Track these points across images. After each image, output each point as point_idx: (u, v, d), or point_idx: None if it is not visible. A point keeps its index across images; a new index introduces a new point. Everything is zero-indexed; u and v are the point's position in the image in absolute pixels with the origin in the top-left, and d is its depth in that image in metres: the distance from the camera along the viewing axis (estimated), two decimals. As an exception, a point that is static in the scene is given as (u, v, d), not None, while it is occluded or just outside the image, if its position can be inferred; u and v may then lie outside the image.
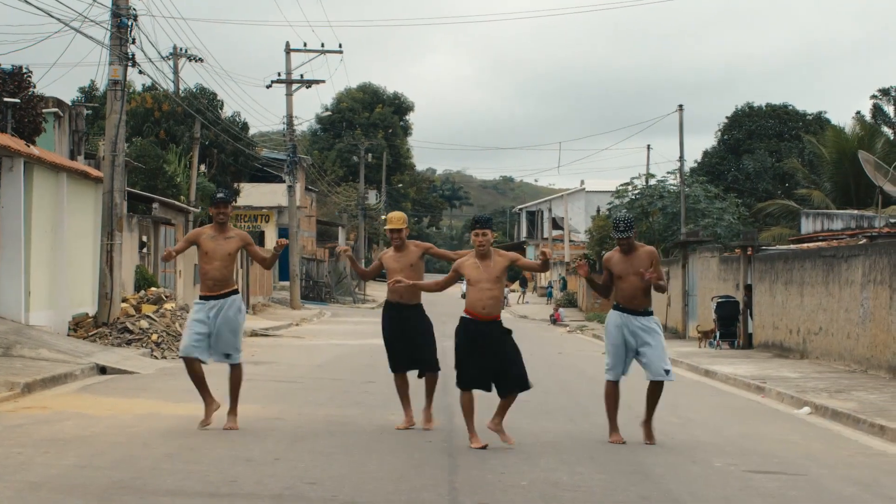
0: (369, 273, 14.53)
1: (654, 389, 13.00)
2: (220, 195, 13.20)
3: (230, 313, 13.07)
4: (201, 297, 13.14)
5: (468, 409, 12.05)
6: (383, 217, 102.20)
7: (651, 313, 13.06)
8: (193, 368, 13.07)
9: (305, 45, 56.55)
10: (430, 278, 13.63)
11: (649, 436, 13.01)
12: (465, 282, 12.34)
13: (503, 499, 9.38)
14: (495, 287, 12.11)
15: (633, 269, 12.85)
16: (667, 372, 12.84)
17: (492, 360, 12.00)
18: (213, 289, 13.03)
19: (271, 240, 67.67)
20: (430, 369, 13.47)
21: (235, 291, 13.24)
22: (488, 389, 12.16)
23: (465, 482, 10.04)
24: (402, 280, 12.90)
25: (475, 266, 12.14)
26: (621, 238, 12.91)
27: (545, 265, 12.57)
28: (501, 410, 12.26)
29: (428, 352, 13.45)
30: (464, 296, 13.02)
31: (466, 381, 11.99)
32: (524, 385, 12.17)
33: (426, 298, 13.78)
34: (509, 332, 12.26)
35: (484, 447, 11.83)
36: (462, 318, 12.12)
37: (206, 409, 13.05)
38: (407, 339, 13.44)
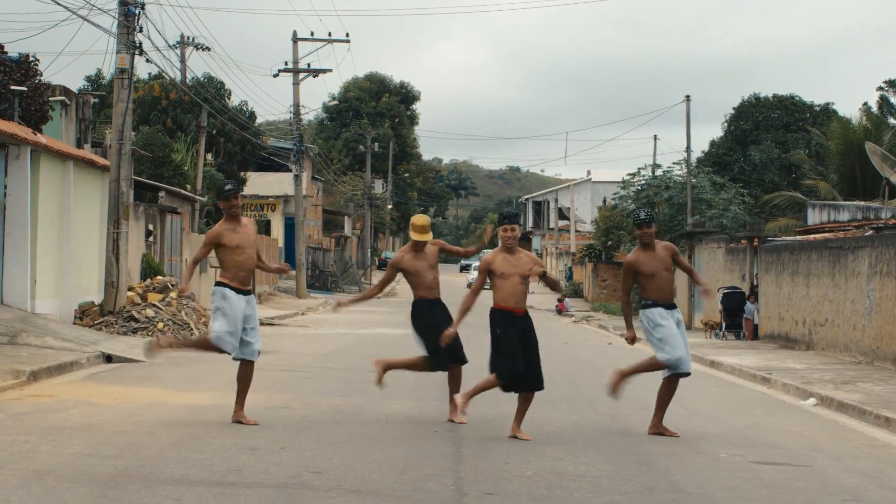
0: (379, 290, 14.26)
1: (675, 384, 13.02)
2: (228, 186, 12.71)
3: (254, 309, 12.82)
4: (228, 287, 12.52)
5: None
6: (389, 206, 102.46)
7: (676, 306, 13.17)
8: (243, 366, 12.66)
9: (312, 34, 56.50)
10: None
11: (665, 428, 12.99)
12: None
13: (508, 488, 9.38)
14: (525, 282, 12.11)
15: (663, 265, 12.82)
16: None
17: (527, 356, 12.05)
18: (245, 282, 12.63)
19: (277, 228, 67.71)
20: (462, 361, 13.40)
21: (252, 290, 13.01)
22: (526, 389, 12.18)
23: (471, 472, 10.04)
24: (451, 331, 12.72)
25: (505, 260, 12.12)
26: (643, 230, 12.84)
27: (552, 284, 12.52)
28: (521, 414, 12.24)
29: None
30: (469, 285, 13.01)
31: (514, 381, 12.03)
32: (542, 384, 12.21)
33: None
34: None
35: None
36: (497, 311, 12.08)
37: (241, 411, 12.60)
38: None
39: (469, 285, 13.77)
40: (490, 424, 12.97)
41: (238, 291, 12.53)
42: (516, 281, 12.04)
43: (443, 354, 12.98)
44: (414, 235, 13.29)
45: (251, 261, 12.68)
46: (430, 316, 13.26)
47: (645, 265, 12.83)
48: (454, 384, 13.32)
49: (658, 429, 12.93)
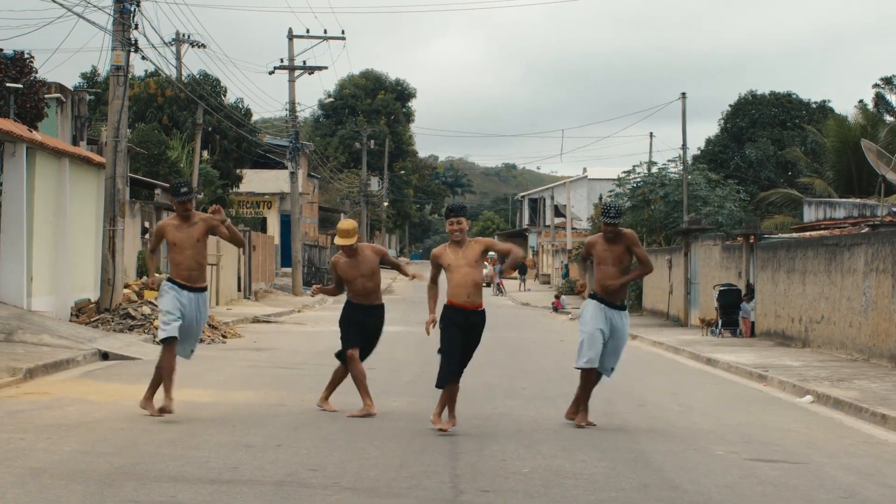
0: (335, 290, 14.40)
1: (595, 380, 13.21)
2: (184, 189, 12.83)
3: (204, 310, 12.95)
4: (175, 283, 12.77)
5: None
6: (386, 204, 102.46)
7: (626, 307, 13.22)
8: (173, 354, 12.72)
9: (308, 31, 56.56)
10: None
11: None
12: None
13: (504, 486, 9.38)
14: (476, 272, 12.06)
15: (613, 259, 12.94)
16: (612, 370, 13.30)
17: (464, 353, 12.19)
18: (190, 280, 12.77)
19: (273, 225, 67.69)
20: None
21: (206, 288, 13.06)
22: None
23: (467, 469, 10.04)
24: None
25: (454, 252, 12.12)
26: (608, 224, 12.95)
27: (514, 264, 12.27)
28: (448, 405, 12.25)
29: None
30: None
31: (446, 380, 12.07)
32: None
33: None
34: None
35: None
36: (446, 307, 12.12)
37: (167, 401, 12.50)
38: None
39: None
40: (486, 422, 12.98)
41: (182, 287, 12.73)
42: (464, 272, 12.02)
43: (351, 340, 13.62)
44: (337, 240, 13.42)
45: (191, 260, 12.76)
46: (354, 318, 13.81)
47: (598, 252, 13.08)
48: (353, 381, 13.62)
49: (570, 414, 13.29)
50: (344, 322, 13.89)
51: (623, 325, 13.18)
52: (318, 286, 14.90)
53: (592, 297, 13.17)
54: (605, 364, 13.18)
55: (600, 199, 74.05)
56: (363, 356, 13.82)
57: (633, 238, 13.14)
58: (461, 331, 12.02)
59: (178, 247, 12.75)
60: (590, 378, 13.18)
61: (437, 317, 12.19)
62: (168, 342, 12.70)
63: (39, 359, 17.56)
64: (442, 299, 12.23)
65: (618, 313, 13.12)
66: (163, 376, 12.59)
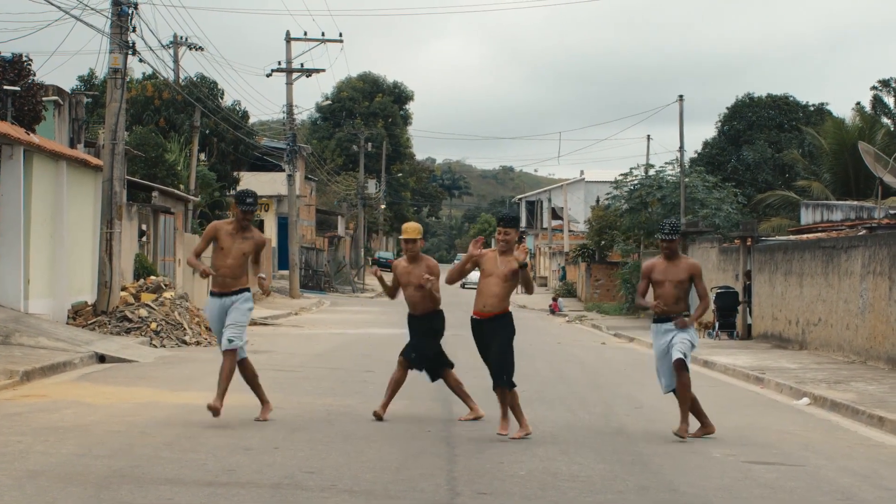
0: (391, 291, 13.94)
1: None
2: (249, 200, 12.80)
3: (238, 303, 12.80)
4: (212, 294, 12.89)
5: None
6: (383, 206, 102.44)
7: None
8: (229, 359, 12.70)
9: (306, 33, 56.55)
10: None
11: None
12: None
13: (501, 488, 9.38)
14: (505, 282, 12.04)
15: (673, 278, 12.81)
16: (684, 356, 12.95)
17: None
18: (224, 286, 12.76)
19: (270, 228, 67.66)
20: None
21: (246, 289, 12.95)
22: None
23: (464, 471, 10.04)
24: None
25: (492, 260, 12.09)
26: (665, 241, 12.86)
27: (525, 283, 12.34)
28: (505, 412, 12.33)
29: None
30: (463, 285, 12.99)
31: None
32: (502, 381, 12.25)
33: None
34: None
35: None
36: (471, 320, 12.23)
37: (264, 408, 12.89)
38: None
39: (464, 285, 13.67)
40: (484, 425, 12.98)
41: (213, 294, 12.84)
42: (493, 282, 12.01)
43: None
44: (404, 235, 13.37)
45: (228, 269, 12.73)
46: (411, 328, 13.62)
47: (657, 273, 12.94)
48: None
49: (692, 430, 13.00)
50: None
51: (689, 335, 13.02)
52: (379, 271, 14.39)
53: (655, 321, 13.08)
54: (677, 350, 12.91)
55: (597, 201, 74.08)
56: (433, 365, 13.55)
57: (698, 270, 13.02)
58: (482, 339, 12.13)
59: (224, 252, 12.74)
60: (681, 380, 13.09)
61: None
62: (224, 353, 12.75)
63: (36, 361, 17.54)
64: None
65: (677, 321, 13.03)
66: (219, 379, 12.69)
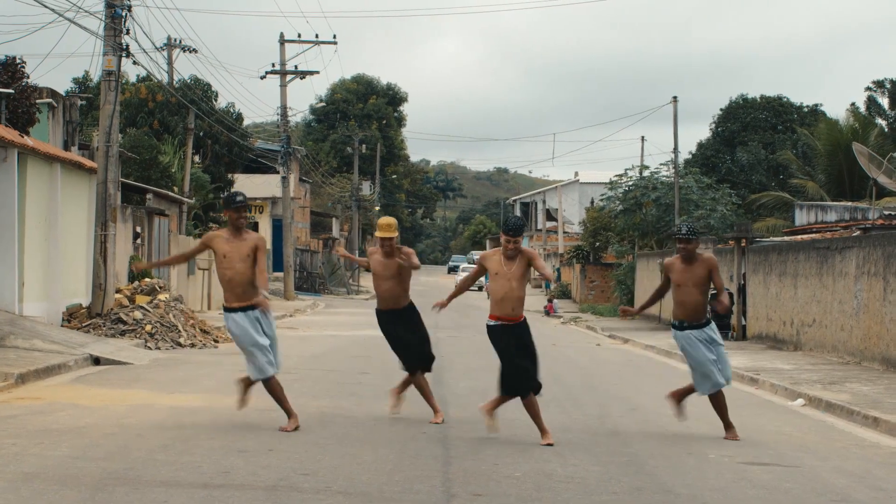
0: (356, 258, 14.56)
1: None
2: (240, 198, 12.40)
3: (270, 315, 12.47)
4: (231, 310, 12.27)
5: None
6: (377, 208, 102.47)
7: (710, 322, 13.19)
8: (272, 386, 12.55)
9: (300, 35, 56.50)
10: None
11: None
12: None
13: (497, 489, 9.38)
14: (519, 284, 12.02)
15: (693, 280, 12.84)
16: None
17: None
18: (242, 298, 12.21)
19: (265, 230, 67.63)
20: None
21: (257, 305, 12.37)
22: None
23: (459, 473, 10.04)
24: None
25: (501, 262, 12.07)
26: (682, 242, 12.88)
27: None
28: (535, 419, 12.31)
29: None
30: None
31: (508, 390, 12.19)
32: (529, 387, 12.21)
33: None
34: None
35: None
36: (488, 327, 12.14)
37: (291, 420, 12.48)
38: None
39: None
40: (479, 426, 12.97)
41: (234, 310, 12.26)
42: (515, 286, 11.98)
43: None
44: (378, 233, 13.40)
45: (241, 275, 12.20)
46: (385, 327, 13.73)
47: (675, 274, 13.02)
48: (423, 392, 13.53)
49: (728, 435, 13.15)
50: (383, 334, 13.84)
51: (715, 335, 13.19)
52: (343, 250, 14.53)
53: (678, 326, 13.14)
54: (722, 377, 13.30)
55: (592, 202, 74.11)
56: (422, 361, 13.52)
57: (715, 264, 13.05)
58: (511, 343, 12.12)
59: (228, 259, 12.19)
60: (717, 401, 13.34)
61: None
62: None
63: (31, 364, 17.52)
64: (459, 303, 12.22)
65: (708, 329, 13.11)
66: (278, 400, 12.62)
